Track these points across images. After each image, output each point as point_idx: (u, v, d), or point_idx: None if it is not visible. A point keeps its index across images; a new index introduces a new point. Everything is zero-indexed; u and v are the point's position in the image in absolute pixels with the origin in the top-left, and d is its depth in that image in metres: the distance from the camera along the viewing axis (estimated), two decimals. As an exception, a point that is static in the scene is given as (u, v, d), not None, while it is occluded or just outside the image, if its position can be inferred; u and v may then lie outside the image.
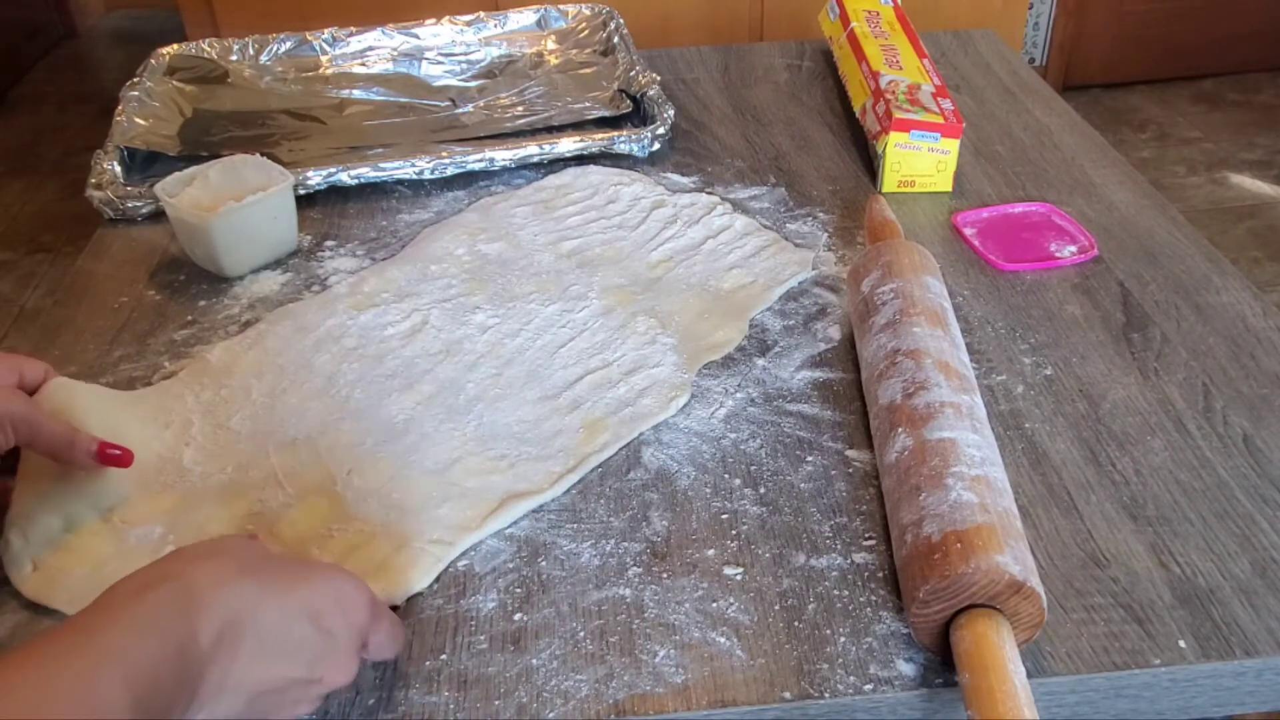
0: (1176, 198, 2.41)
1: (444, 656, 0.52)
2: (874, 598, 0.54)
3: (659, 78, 1.03)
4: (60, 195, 2.59)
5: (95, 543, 0.59)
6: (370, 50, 1.15)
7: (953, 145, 0.88)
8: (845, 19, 1.07)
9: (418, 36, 1.16)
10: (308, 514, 0.59)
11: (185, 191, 0.82)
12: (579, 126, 1.00)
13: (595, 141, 0.95)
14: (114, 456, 0.59)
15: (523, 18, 1.19)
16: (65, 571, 0.57)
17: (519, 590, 0.56)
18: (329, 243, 0.86)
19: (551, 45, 1.17)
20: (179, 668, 0.40)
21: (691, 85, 1.12)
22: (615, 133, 0.96)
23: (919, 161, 0.89)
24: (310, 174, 0.90)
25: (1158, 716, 0.52)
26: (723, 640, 0.52)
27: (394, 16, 1.19)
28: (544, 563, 0.57)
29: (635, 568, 0.56)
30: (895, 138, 0.88)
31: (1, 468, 0.60)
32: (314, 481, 0.62)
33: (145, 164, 0.97)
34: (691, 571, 0.56)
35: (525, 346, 0.72)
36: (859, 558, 0.56)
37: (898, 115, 0.88)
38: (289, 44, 1.15)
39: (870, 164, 0.94)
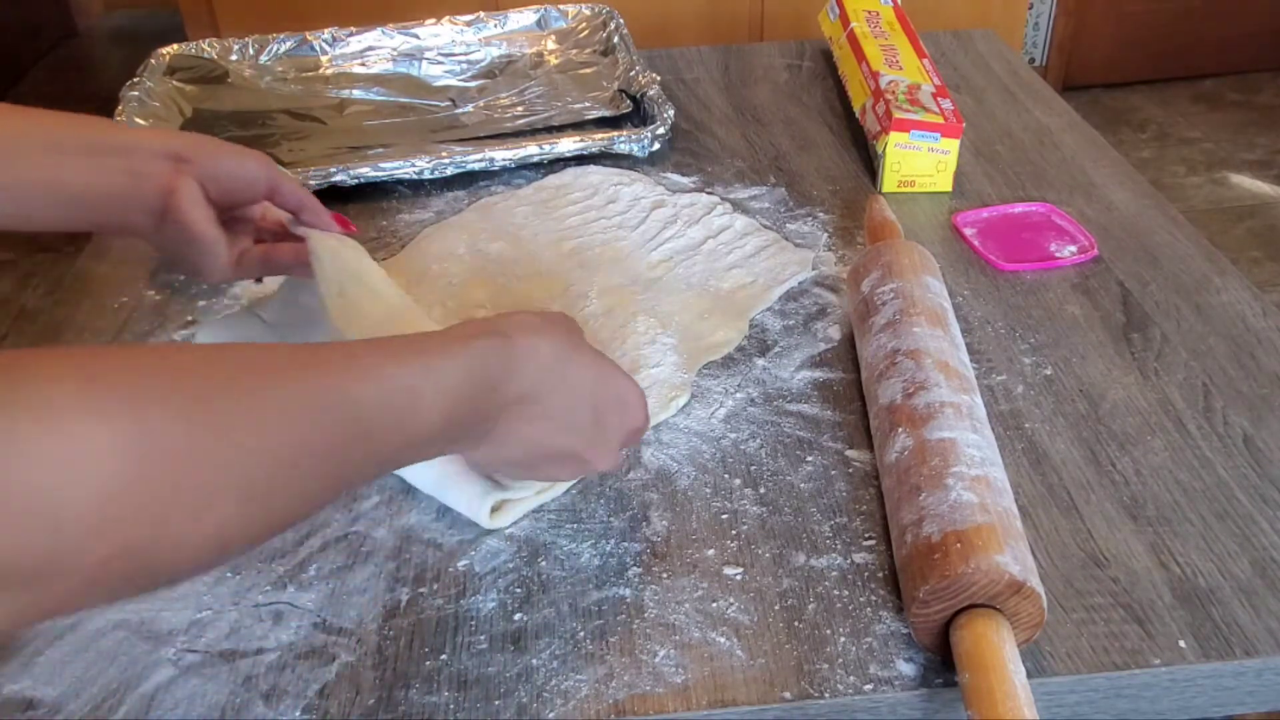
0: (1176, 198, 2.41)
1: (444, 656, 0.52)
2: (874, 598, 0.54)
3: (659, 78, 1.03)
4: (60, 195, 2.59)
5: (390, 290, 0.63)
6: (370, 50, 1.15)
7: (953, 145, 0.88)
8: (845, 19, 1.07)
9: (418, 36, 1.16)
10: None
11: (185, 191, 0.82)
12: (579, 126, 1.00)
13: (595, 141, 0.95)
14: (344, 221, 0.66)
15: (523, 18, 1.19)
16: (361, 307, 0.61)
17: (519, 590, 0.56)
18: (329, 243, 0.86)
19: (551, 45, 1.17)
20: (483, 409, 0.47)
21: (691, 85, 1.12)
22: (615, 133, 0.96)
23: (919, 161, 0.89)
24: (310, 174, 0.90)
25: (1158, 716, 0.52)
26: (723, 640, 0.52)
27: (394, 16, 1.19)
28: (544, 563, 0.57)
29: (635, 568, 0.56)
30: (895, 138, 0.88)
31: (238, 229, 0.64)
32: None
33: (145, 164, 0.96)
34: (691, 571, 0.56)
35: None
36: (859, 558, 0.56)
37: (898, 115, 0.88)
38: (289, 44, 1.15)
39: (870, 164, 0.94)
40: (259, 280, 0.72)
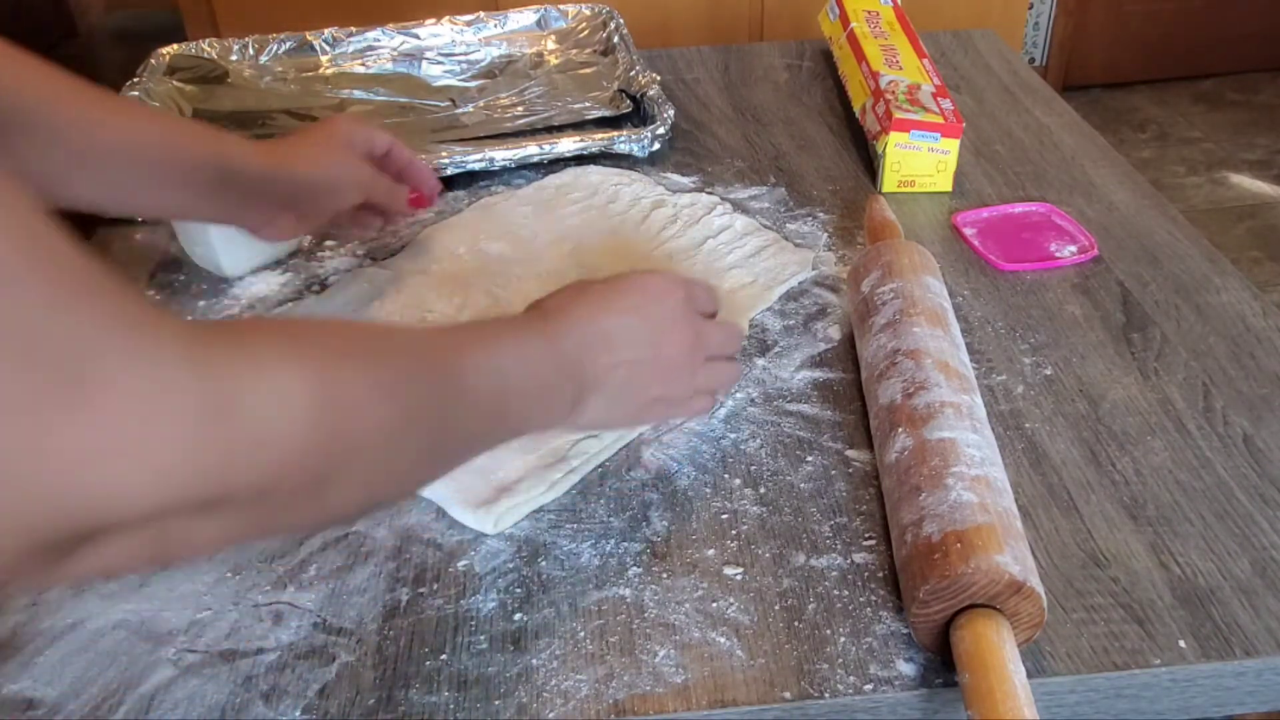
0: (1176, 198, 2.41)
1: (444, 656, 0.52)
2: (874, 598, 0.54)
3: (659, 78, 1.03)
4: (60, 195, 2.59)
5: None
6: (370, 50, 1.15)
7: (953, 145, 0.88)
8: (845, 19, 1.07)
9: (418, 36, 1.16)
10: None
11: (185, 191, 0.82)
12: (579, 126, 1.00)
13: (595, 141, 0.95)
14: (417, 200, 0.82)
15: (523, 18, 1.19)
16: None
17: (519, 590, 0.56)
18: (329, 243, 0.86)
19: (551, 45, 1.17)
20: (568, 387, 0.52)
21: (691, 85, 1.12)
22: (615, 133, 0.96)
23: (919, 161, 0.89)
24: (310, 174, 0.90)
25: (1157, 716, 0.52)
26: (723, 640, 0.52)
27: (394, 16, 1.19)
28: (544, 563, 0.57)
29: (635, 568, 0.56)
30: (895, 138, 0.88)
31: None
32: None
33: (145, 164, 0.96)
34: (691, 571, 0.56)
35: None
36: (859, 558, 0.56)
37: (898, 115, 0.88)
38: (289, 44, 1.15)
39: (870, 164, 0.94)
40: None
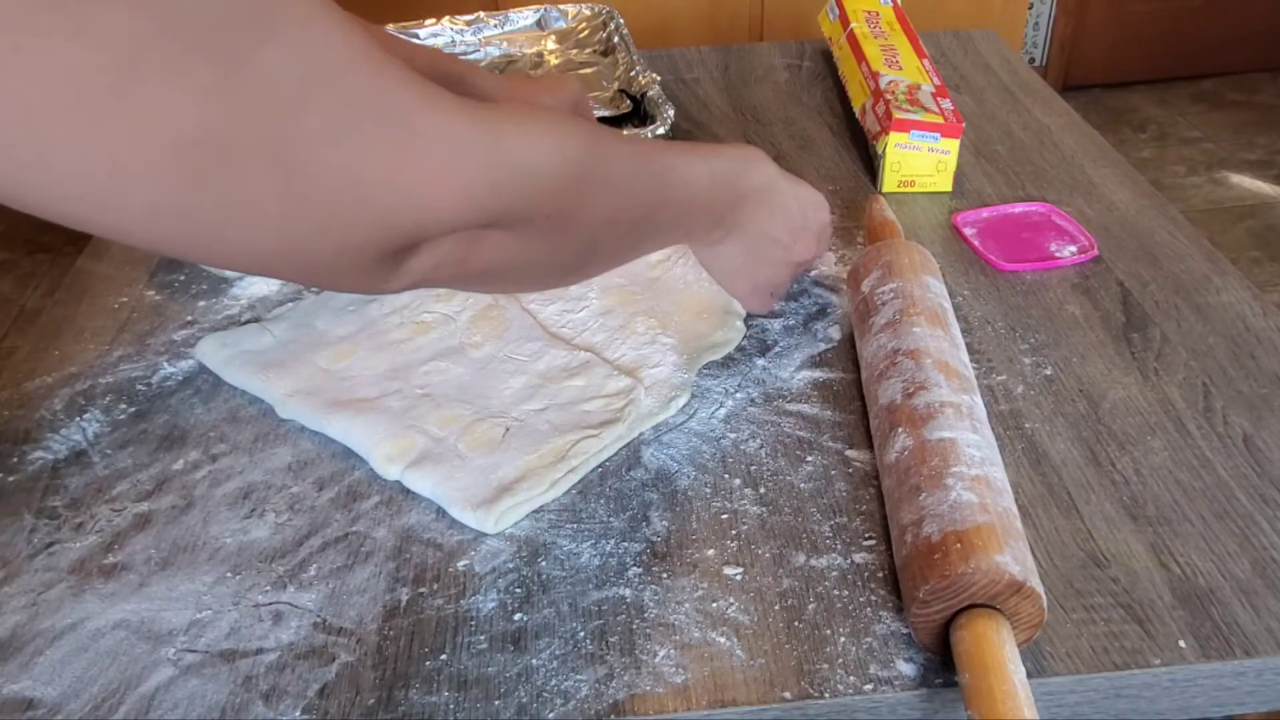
0: (1176, 198, 2.41)
1: (444, 656, 0.52)
2: (874, 598, 0.54)
3: (659, 78, 1.03)
4: (60, 195, 2.59)
5: None
6: (370, 50, 1.15)
7: (953, 145, 0.88)
8: (845, 19, 1.07)
9: (418, 36, 1.16)
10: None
11: (185, 191, 0.82)
12: (579, 126, 1.00)
13: (595, 141, 0.94)
14: None
15: (523, 18, 1.19)
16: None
17: (519, 590, 0.56)
18: (329, 243, 0.86)
19: (551, 45, 1.17)
20: (726, 197, 0.64)
21: (691, 85, 1.12)
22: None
23: (919, 161, 0.89)
24: (310, 174, 0.90)
25: (1158, 716, 0.52)
26: (723, 640, 0.52)
27: (394, 16, 1.19)
28: (544, 563, 0.57)
29: (635, 568, 0.56)
30: (895, 138, 0.88)
31: None
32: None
33: (145, 164, 0.96)
34: (691, 571, 0.56)
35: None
36: (859, 558, 0.56)
37: (897, 115, 0.88)
38: (289, 44, 1.15)
39: (870, 164, 0.94)
40: None
